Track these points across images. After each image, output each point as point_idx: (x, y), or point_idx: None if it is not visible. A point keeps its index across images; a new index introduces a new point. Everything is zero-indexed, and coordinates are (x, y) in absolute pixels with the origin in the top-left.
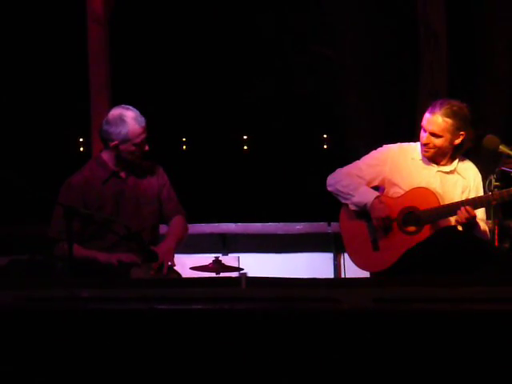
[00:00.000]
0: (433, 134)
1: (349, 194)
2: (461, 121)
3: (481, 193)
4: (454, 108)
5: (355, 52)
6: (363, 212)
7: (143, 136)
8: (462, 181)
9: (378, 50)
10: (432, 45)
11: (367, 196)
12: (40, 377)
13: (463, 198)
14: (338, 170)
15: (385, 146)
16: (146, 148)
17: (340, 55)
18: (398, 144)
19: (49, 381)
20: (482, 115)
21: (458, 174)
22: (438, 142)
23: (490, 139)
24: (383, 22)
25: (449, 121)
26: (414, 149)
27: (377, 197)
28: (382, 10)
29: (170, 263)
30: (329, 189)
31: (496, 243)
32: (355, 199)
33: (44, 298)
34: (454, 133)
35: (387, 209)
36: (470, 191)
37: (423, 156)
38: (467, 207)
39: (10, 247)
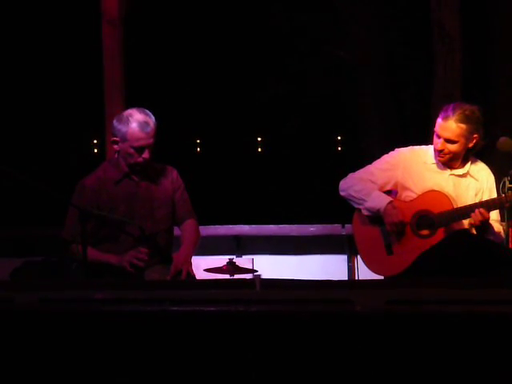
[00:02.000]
0: (447, 140)
1: (362, 199)
2: (474, 124)
3: (494, 194)
4: (467, 112)
5: (369, 53)
6: (376, 216)
7: (143, 142)
8: (475, 183)
9: (391, 51)
10: (446, 46)
11: (380, 201)
12: (53, 378)
13: (476, 201)
14: (350, 175)
15: (396, 149)
16: (146, 155)
17: (354, 57)
18: (410, 147)
19: (62, 382)
20: (496, 117)
21: (471, 176)
22: (452, 147)
23: (504, 141)
24: (397, 23)
25: (463, 126)
26: (425, 152)
27: (390, 202)
28: (396, 12)
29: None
30: (341, 194)
31: (510, 245)
32: (368, 204)
33: (58, 300)
34: (468, 137)
35: (400, 213)
36: (483, 193)
37: (437, 161)
38: (481, 209)
39: (24, 249)
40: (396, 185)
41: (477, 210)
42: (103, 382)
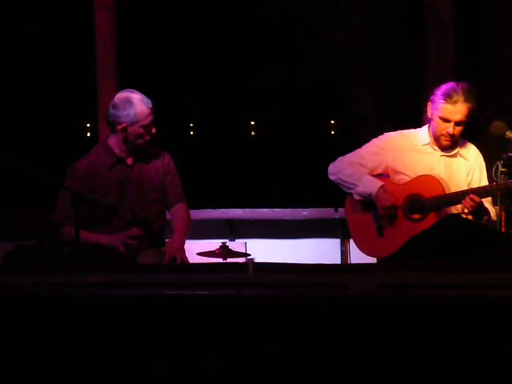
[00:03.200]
0: (458, 123)
1: (353, 184)
2: (475, 98)
3: (484, 172)
4: (470, 90)
5: (363, 39)
6: (368, 200)
7: (150, 118)
8: (466, 163)
9: (385, 36)
10: (439, 32)
11: (372, 186)
12: (45, 362)
13: (468, 180)
14: (340, 159)
15: (385, 133)
16: (153, 131)
17: (348, 42)
18: (399, 131)
19: (54, 366)
20: (489, 101)
21: (461, 156)
22: (460, 128)
23: (497, 125)
24: (391, 8)
25: (470, 105)
26: (414, 135)
27: (381, 186)
28: None
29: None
30: (331, 178)
31: (503, 229)
32: (359, 189)
33: (50, 284)
34: (472, 115)
35: (392, 197)
36: (474, 172)
37: (440, 144)
38: (472, 195)
39: (16, 233)
40: (386, 168)
41: (467, 197)
42: (97, 366)
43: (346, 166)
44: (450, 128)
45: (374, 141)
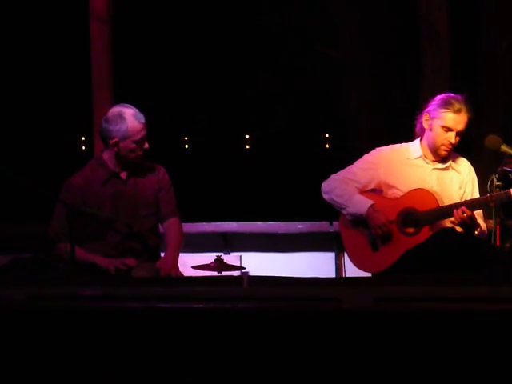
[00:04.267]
0: (459, 133)
1: (344, 205)
2: (472, 112)
3: (476, 186)
4: (468, 101)
5: (356, 51)
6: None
7: (143, 133)
8: (458, 176)
9: (379, 49)
10: (434, 44)
11: (361, 206)
12: (39, 375)
13: (461, 193)
14: (332, 177)
15: (376, 149)
16: (146, 146)
17: (341, 54)
18: (390, 146)
19: (49, 379)
20: (483, 115)
21: (453, 169)
22: (459, 139)
23: (491, 139)
24: (385, 21)
25: (470, 115)
26: (406, 149)
27: (371, 206)
28: (384, 9)
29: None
30: (324, 197)
31: (497, 243)
32: (350, 210)
33: (45, 296)
34: (469, 127)
35: (382, 215)
36: (466, 185)
37: (438, 156)
38: (463, 208)
39: (11, 246)
40: (379, 183)
41: (459, 209)
42: (90, 379)
43: (337, 185)
44: (451, 137)
45: (366, 157)
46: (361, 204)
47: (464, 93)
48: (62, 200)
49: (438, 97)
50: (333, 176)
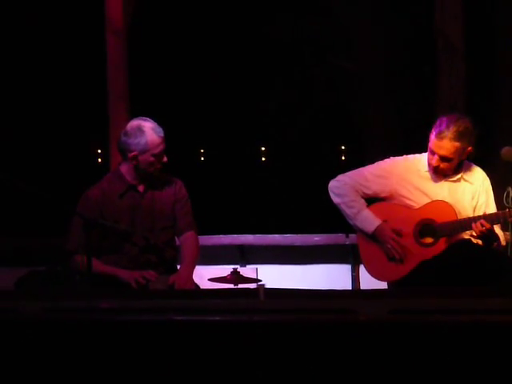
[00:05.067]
0: (443, 158)
1: (351, 217)
2: (468, 139)
3: (491, 195)
4: (461, 129)
5: (373, 64)
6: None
7: (162, 147)
8: (470, 187)
9: (395, 62)
10: (450, 57)
11: (368, 224)
12: None
13: (474, 204)
14: (342, 179)
15: (391, 158)
16: (165, 159)
17: (357, 67)
18: (404, 157)
19: None
20: (499, 126)
21: (465, 180)
22: (448, 163)
23: (507, 151)
24: (401, 34)
25: (458, 144)
26: (419, 161)
27: (377, 227)
28: (400, 22)
29: None
30: (333, 199)
31: None
32: (357, 223)
33: (62, 309)
34: (463, 152)
35: (389, 234)
36: (479, 195)
37: (431, 171)
38: (482, 221)
39: (28, 258)
40: (391, 193)
41: (478, 222)
42: None
43: (348, 192)
44: (434, 160)
45: (380, 163)
46: (368, 222)
47: (479, 106)
48: (79, 213)
49: (443, 118)
50: (343, 178)
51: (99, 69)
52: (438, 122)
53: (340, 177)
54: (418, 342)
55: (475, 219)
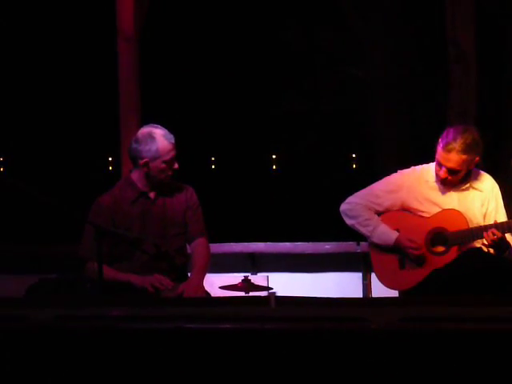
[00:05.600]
0: (450, 170)
1: (367, 235)
2: (476, 150)
3: (500, 201)
4: (468, 141)
5: (383, 72)
6: None
7: (172, 153)
8: (480, 194)
9: (406, 70)
10: (461, 65)
11: (387, 238)
12: None
13: (483, 211)
14: (352, 201)
15: (398, 171)
16: (176, 166)
17: (368, 75)
18: (411, 168)
19: None
20: (511, 135)
21: (474, 188)
22: (455, 175)
23: None
24: (412, 42)
25: (465, 156)
26: (427, 171)
27: (396, 239)
28: (411, 31)
29: None
30: (347, 222)
31: None
32: (375, 240)
33: (73, 317)
34: (470, 163)
35: (411, 241)
36: (489, 202)
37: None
38: (493, 230)
39: (38, 266)
40: (402, 205)
41: (490, 231)
42: None
43: (361, 213)
44: (441, 172)
45: (388, 179)
46: (385, 237)
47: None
48: (90, 220)
49: (450, 129)
50: (353, 199)
51: (111, 77)
52: (444, 134)
53: (350, 199)
54: (429, 350)
55: (486, 228)
